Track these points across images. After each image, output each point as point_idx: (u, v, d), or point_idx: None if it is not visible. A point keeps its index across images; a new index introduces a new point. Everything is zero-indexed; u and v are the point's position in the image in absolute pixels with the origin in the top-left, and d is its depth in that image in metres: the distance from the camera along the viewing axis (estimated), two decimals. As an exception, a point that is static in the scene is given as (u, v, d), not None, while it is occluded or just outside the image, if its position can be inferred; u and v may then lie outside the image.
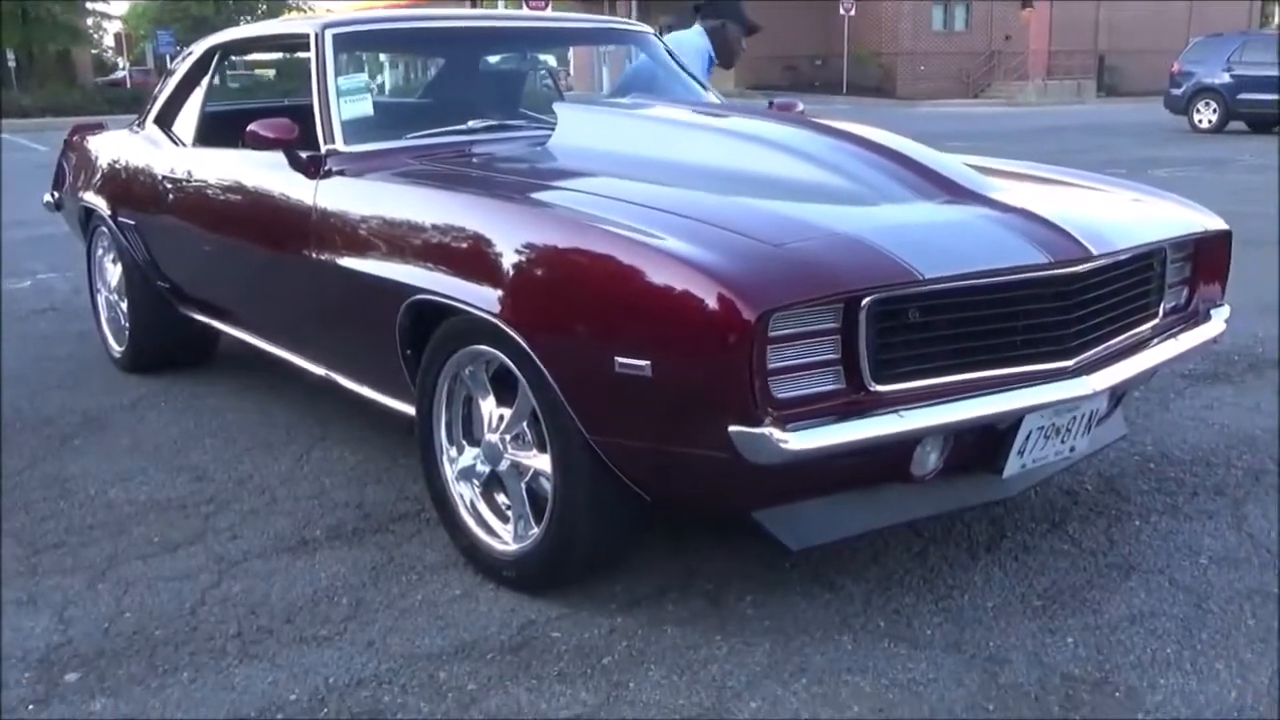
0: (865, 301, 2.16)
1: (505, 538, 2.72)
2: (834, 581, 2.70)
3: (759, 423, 2.08)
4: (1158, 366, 2.72)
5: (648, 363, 2.18)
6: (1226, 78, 18.81)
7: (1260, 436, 3.69)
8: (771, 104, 4.09)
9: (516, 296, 2.45)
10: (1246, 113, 18.76)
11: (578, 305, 2.35)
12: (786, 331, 2.11)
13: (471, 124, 3.49)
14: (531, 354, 2.40)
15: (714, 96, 4.12)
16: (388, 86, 8.80)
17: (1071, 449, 2.61)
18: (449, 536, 2.88)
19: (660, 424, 2.26)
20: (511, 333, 2.44)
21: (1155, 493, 3.23)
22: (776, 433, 2.08)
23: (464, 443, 2.81)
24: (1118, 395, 2.91)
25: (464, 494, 2.81)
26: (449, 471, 2.83)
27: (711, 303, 2.09)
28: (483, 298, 2.51)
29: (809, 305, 2.12)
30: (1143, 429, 3.76)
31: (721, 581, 2.72)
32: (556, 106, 3.48)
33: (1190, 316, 2.94)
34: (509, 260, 2.49)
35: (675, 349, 2.16)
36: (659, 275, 2.19)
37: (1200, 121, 19.20)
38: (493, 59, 4.38)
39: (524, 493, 2.66)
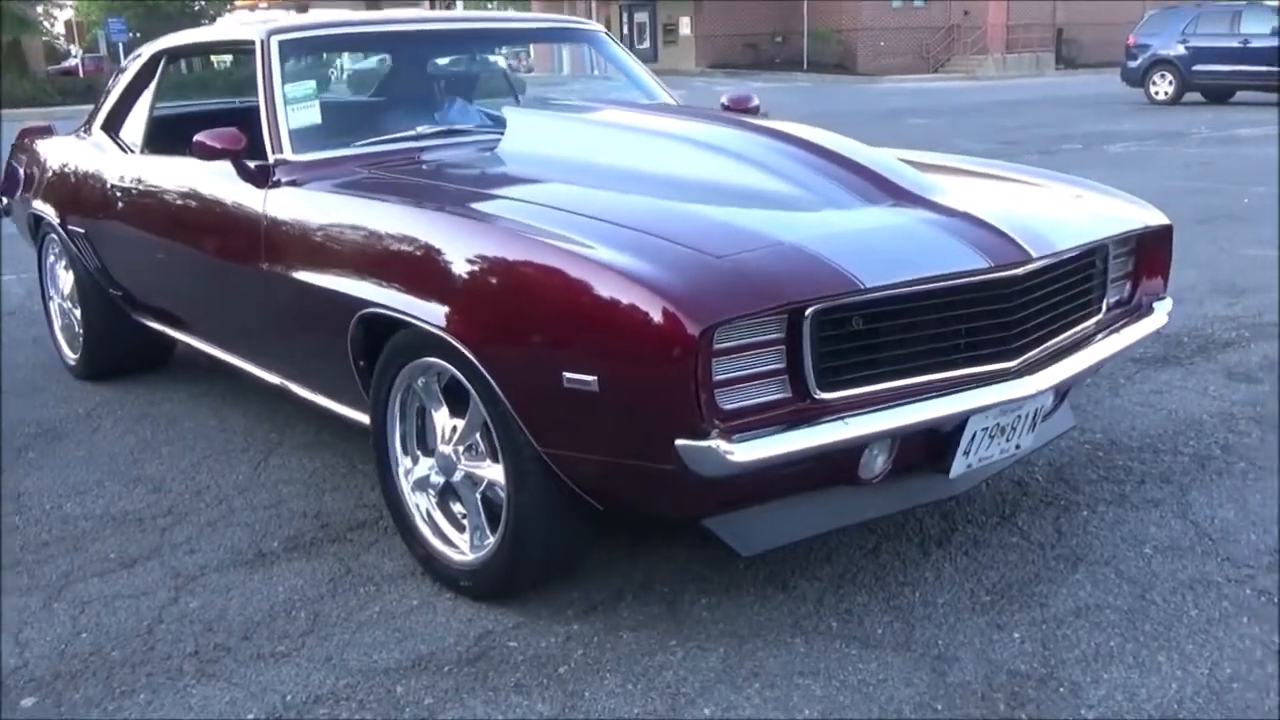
0: (809, 312, 2.19)
1: (461, 547, 2.74)
2: (787, 582, 2.74)
3: (705, 435, 2.11)
4: (1102, 363, 2.77)
5: (595, 378, 2.19)
6: (1182, 49, 18.96)
7: (1207, 421, 3.75)
8: (726, 105, 4.10)
9: (464, 311, 2.46)
10: (1202, 84, 18.97)
11: (524, 320, 2.36)
12: (731, 344, 2.14)
13: (420, 130, 3.48)
14: (480, 368, 2.41)
15: (665, 95, 4.12)
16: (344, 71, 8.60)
17: (1017, 446, 2.65)
18: (406, 546, 2.89)
19: (609, 437, 2.29)
20: (460, 347, 2.44)
21: (1104, 481, 3.29)
22: (723, 445, 2.10)
23: (418, 453, 2.82)
24: (1063, 391, 2.95)
25: (420, 504, 2.83)
26: (404, 482, 2.84)
27: (656, 317, 2.10)
28: (430, 312, 2.51)
29: (753, 317, 2.14)
30: (1092, 416, 3.82)
31: (677, 585, 2.75)
32: (506, 111, 3.48)
33: (1133, 310, 2.98)
34: (456, 274, 2.50)
35: (621, 364, 2.18)
36: (604, 290, 2.20)
37: (1157, 93, 19.37)
38: (443, 60, 4.36)
39: (479, 502, 2.67)
